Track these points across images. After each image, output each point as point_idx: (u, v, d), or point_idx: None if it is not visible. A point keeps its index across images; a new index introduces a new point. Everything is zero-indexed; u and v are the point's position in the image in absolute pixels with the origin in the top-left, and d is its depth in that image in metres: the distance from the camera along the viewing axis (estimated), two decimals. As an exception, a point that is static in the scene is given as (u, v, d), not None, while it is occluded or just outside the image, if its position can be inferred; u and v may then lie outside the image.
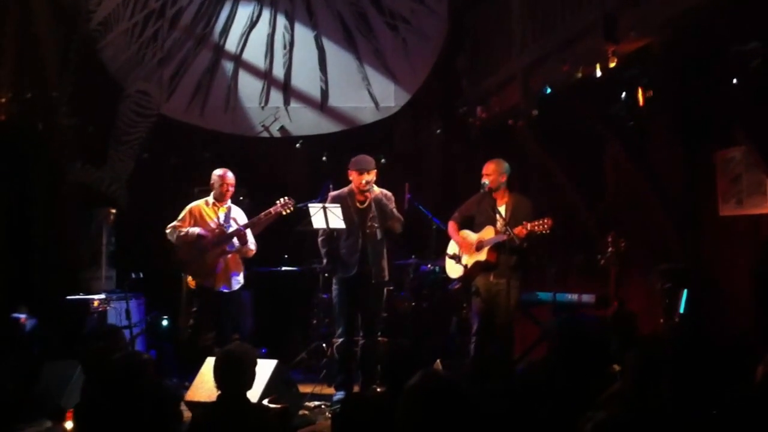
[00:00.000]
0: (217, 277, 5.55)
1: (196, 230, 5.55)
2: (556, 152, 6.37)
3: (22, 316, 6.13)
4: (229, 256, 5.60)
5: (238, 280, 5.70)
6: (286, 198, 5.56)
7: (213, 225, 5.60)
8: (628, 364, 2.77)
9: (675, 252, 5.40)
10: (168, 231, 5.63)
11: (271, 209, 5.54)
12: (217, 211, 5.65)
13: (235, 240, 5.57)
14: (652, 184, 5.58)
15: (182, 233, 5.57)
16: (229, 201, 5.70)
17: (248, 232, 5.58)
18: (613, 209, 6.15)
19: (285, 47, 7.92)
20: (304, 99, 7.90)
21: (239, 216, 5.72)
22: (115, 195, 7.77)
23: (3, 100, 6.35)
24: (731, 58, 4.35)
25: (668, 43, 4.47)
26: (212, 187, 5.67)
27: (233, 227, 5.59)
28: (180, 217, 5.65)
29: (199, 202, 5.70)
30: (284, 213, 5.55)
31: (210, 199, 5.68)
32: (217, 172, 5.68)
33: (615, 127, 5.60)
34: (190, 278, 5.61)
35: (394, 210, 5.35)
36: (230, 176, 5.65)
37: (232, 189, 5.67)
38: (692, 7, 4.10)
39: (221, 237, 5.54)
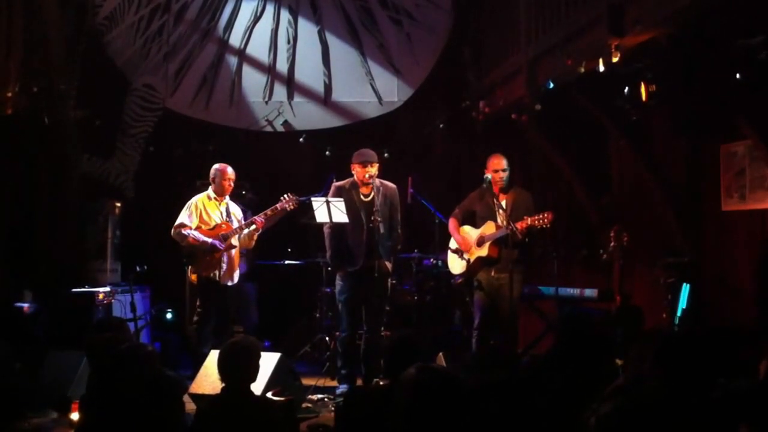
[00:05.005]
0: (224, 271, 5.54)
1: (209, 240, 5.45)
2: (560, 146, 6.37)
3: (25, 305, 6.17)
4: (234, 251, 5.61)
5: (239, 273, 5.73)
6: (288, 194, 5.54)
7: (218, 219, 5.60)
8: (631, 357, 2.78)
9: (678, 246, 5.39)
10: (177, 233, 5.48)
11: (277, 205, 5.55)
12: (218, 206, 5.62)
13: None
14: (656, 178, 5.58)
15: (199, 241, 5.43)
16: (227, 196, 5.67)
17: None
18: (617, 203, 6.15)
19: (288, 42, 7.93)
20: (308, 93, 7.91)
21: (237, 211, 5.72)
22: (121, 187, 7.81)
23: (10, 93, 6.34)
24: (736, 51, 4.34)
25: (673, 36, 4.46)
26: (212, 181, 5.61)
27: (235, 222, 5.60)
28: (185, 214, 5.53)
29: (201, 197, 5.63)
30: (288, 209, 5.56)
31: (211, 193, 5.62)
32: (217, 166, 5.63)
33: (619, 122, 5.59)
34: (191, 274, 5.55)
35: (399, 227, 5.37)
36: (231, 171, 5.61)
37: (232, 184, 5.63)
38: (697, 0, 4.09)
39: (230, 233, 5.54)
